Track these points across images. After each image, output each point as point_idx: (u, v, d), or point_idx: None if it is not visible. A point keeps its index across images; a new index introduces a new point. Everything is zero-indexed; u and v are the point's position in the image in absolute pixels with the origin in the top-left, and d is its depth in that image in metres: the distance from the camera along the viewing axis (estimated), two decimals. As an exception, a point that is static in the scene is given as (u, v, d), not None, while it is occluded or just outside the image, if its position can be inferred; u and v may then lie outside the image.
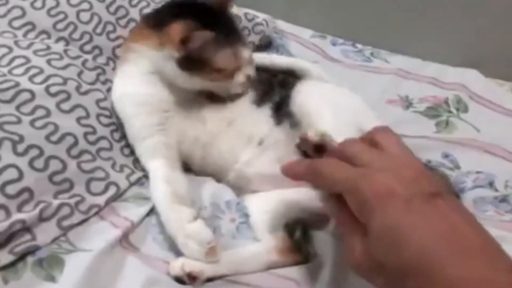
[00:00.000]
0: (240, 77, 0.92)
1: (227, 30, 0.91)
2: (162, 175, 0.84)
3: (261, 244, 0.80)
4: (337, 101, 0.95)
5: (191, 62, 0.87)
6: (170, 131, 0.91)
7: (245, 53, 0.93)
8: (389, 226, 0.49)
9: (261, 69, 0.99)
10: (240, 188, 0.91)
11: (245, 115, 0.93)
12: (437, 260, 0.46)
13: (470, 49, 1.36)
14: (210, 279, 0.74)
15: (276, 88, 0.96)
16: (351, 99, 0.98)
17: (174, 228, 0.77)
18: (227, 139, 0.92)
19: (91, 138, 0.91)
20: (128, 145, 0.94)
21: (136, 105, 0.91)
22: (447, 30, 1.37)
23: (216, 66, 0.88)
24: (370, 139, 0.61)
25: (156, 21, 0.92)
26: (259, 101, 0.94)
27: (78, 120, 0.90)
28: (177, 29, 0.87)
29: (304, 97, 0.92)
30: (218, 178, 0.93)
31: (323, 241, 0.82)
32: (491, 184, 0.98)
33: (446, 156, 1.05)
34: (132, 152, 0.94)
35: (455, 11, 1.34)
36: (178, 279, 0.74)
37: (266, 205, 0.85)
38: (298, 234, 0.82)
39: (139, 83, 0.92)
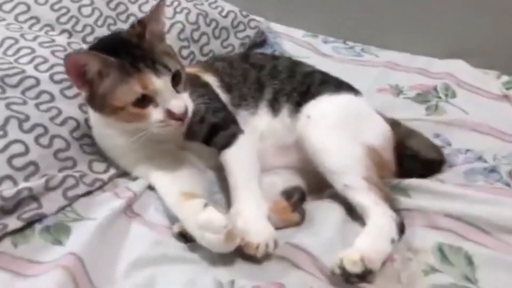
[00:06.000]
0: (156, 114, 0.77)
1: (137, 58, 0.77)
2: (162, 188, 0.84)
3: None
4: (342, 124, 0.90)
5: (96, 99, 0.78)
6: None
7: (158, 82, 0.76)
8: None
9: (249, 66, 0.99)
10: None
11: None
12: None
13: (455, 42, 1.41)
14: None
15: (266, 83, 0.97)
16: (354, 117, 0.93)
17: (190, 225, 0.75)
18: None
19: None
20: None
21: (112, 149, 0.89)
22: (433, 25, 1.42)
23: (115, 104, 0.76)
24: None
25: None
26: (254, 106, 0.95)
27: (80, 107, 0.94)
28: (70, 60, 0.76)
29: (310, 129, 0.89)
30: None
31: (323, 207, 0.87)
32: (480, 158, 1.02)
33: (437, 135, 1.09)
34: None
35: (440, 6, 1.40)
36: (181, 236, 0.77)
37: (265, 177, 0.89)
38: (295, 198, 0.87)
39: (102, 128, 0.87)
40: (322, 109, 0.93)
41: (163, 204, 0.83)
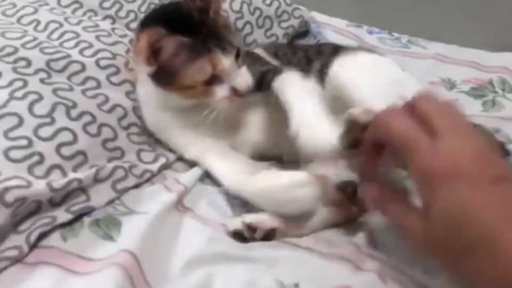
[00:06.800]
0: (222, 91, 0.78)
1: (205, 36, 0.76)
2: (219, 169, 0.81)
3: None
4: (375, 71, 0.89)
5: (164, 75, 0.78)
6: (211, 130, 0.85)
7: (226, 61, 0.77)
8: (454, 206, 0.48)
9: (296, 46, 0.98)
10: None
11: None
12: (501, 237, 0.45)
13: (507, 34, 1.34)
14: (269, 237, 0.72)
15: (314, 58, 0.95)
16: (391, 68, 0.93)
17: (263, 200, 0.72)
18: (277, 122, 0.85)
19: (139, 112, 0.90)
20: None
21: (165, 128, 0.87)
22: (483, 16, 1.36)
23: (184, 83, 0.77)
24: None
25: (137, 30, 0.85)
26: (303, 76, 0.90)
27: (127, 94, 0.90)
28: (144, 39, 0.75)
29: (340, 70, 0.87)
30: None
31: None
32: (547, 156, 0.95)
33: (497, 131, 1.02)
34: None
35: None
36: (237, 235, 0.72)
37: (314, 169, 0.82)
38: (349, 190, 0.79)
39: (155, 107, 0.86)
40: (357, 57, 0.91)
41: (221, 189, 0.80)
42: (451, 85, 1.20)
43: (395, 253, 0.71)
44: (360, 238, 0.75)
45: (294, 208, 0.71)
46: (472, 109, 1.11)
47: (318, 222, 0.76)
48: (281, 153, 0.87)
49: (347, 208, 0.78)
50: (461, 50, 1.34)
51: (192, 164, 0.87)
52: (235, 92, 0.78)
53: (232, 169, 0.80)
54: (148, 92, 0.85)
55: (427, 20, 1.42)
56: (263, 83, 0.83)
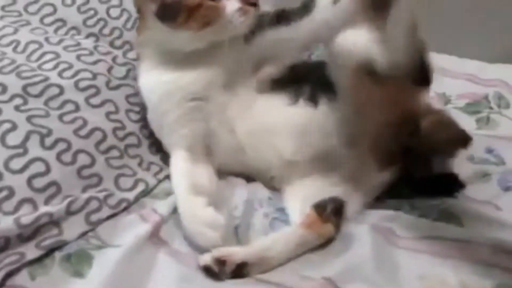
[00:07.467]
0: (232, 4, 0.80)
1: None
2: (180, 168, 0.84)
3: (291, 226, 0.78)
4: None
5: (170, 7, 0.80)
6: (200, 122, 0.86)
7: None
8: None
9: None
10: (282, 179, 0.87)
11: (280, 116, 0.87)
12: None
13: (508, 45, 1.30)
14: (239, 274, 0.70)
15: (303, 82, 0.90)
16: None
17: (187, 217, 0.75)
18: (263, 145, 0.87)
19: (120, 133, 0.89)
20: (156, 141, 0.91)
21: (160, 96, 0.86)
22: (484, 27, 1.32)
23: (191, 2, 0.78)
24: None
25: None
26: (293, 100, 0.88)
27: (107, 115, 0.88)
28: None
29: None
30: (260, 175, 0.90)
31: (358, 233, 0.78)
32: (540, 182, 0.92)
33: (489, 151, 1.00)
34: (161, 149, 0.91)
35: (490, 8, 1.29)
36: (208, 271, 0.70)
37: (298, 190, 0.83)
38: (328, 210, 0.78)
39: (159, 67, 0.87)
40: None
41: None
42: (446, 100, 1.17)
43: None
44: (334, 271, 0.72)
45: (199, 241, 0.73)
46: (467, 126, 1.07)
47: (290, 248, 0.73)
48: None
49: (320, 228, 0.76)
50: (460, 62, 1.30)
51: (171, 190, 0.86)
52: (245, 1, 0.80)
53: (190, 176, 0.82)
54: (153, 65, 0.87)
55: (426, 31, 1.37)
56: (282, 16, 0.81)
